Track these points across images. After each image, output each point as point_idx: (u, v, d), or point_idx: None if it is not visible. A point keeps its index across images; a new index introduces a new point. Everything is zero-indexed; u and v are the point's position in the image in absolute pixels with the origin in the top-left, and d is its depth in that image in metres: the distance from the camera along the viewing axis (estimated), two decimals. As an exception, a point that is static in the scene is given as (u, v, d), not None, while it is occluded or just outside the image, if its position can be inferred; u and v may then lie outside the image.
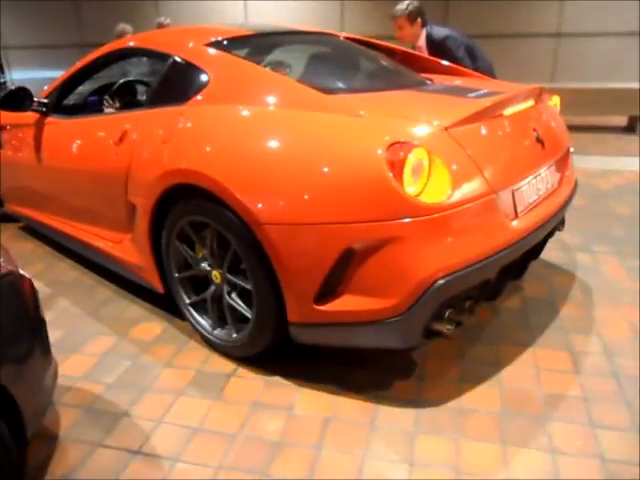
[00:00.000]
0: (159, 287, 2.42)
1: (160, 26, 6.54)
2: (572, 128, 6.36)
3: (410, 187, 1.69)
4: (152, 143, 2.25)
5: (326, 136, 1.86)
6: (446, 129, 1.83)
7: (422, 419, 1.85)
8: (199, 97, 2.23)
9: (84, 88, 3.37)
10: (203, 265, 2.19)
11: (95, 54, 2.85)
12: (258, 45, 2.76)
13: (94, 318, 2.55)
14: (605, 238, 3.34)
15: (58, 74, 3.07)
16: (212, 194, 1.94)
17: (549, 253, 3.10)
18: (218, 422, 1.87)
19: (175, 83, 2.41)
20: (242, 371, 2.13)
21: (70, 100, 3.04)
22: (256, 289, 1.96)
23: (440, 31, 3.76)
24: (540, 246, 2.31)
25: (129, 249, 2.51)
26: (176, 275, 2.29)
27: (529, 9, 7.17)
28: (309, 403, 1.95)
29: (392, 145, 1.71)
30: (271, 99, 2.09)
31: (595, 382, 2.01)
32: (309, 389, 2.02)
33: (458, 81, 2.75)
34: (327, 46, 2.95)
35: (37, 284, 2.91)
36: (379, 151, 1.71)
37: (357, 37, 3.16)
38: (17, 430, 1.49)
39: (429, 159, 1.72)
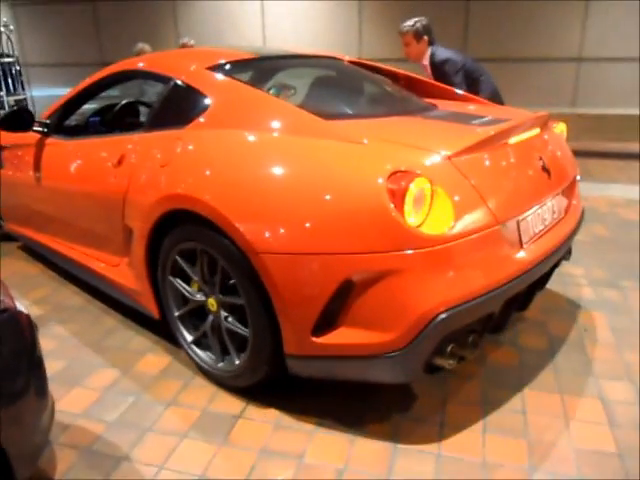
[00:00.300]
0: (155, 312, 2.34)
1: (184, 47, 6.56)
2: (594, 155, 6.23)
3: (411, 218, 1.62)
4: (150, 167, 2.20)
5: (326, 164, 1.79)
6: (449, 158, 1.76)
7: (442, 474, 1.71)
8: (199, 121, 2.17)
9: (86, 108, 3.34)
10: (198, 296, 2.12)
11: (98, 75, 2.81)
12: (261, 69, 2.70)
13: (98, 348, 2.45)
14: (633, 272, 3.18)
15: None
16: (209, 221, 1.87)
17: (574, 288, 2.96)
18: (223, 470, 1.75)
19: (175, 106, 2.36)
20: (250, 412, 2.01)
21: (72, 121, 2.99)
22: (252, 320, 1.88)
23: (443, 53, 3.69)
24: (546, 277, 2.21)
25: (125, 273, 2.45)
26: (176, 314, 2.21)
27: (550, 32, 7.09)
28: (321, 451, 1.82)
29: (393, 174, 1.65)
30: (272, 125, 2.02)
31: (630, 436, 1.86)
32: (322, 434, 1.89)
33: (463, 107, 2.66)
34: (331, 70, 2.89)
35: (41, 310, 2.88)
36: (380, 180, 1.64)
37: (361, 61, 3.09)
38: (5, 475, 1.38)
39: (431, 189, 1.65)
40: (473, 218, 1.73)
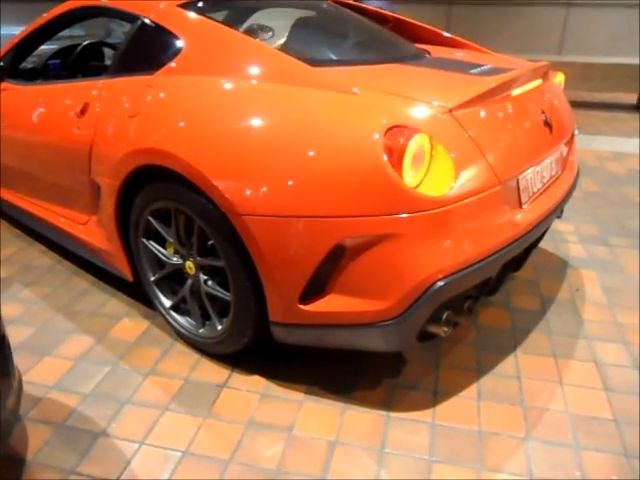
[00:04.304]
0: (128, 275, 2.20)
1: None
2: (581, 105, 6.07)
3: (409, 178, 1.48)
4: (117, 117, 2.00)
5: (314, 116, 1.62)
6: (450, 111, 1.61)
7: (437, 445, 1.65)
8: (171, 66, 1.97)
9: (44, 50, 3.05)
10: (175, 259, 1.98)
11: (56, 11, 2.53)
12: (237, 8, 2.46)
13: (69, 313, 2.30)
14: (622, 229, 3.12)
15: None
16: (184, 178, 1.71)
17: (564, 246, 2.89)
18: (208, 445, 1.65)
19: (144, 49, 2.13)
20: (235, 380, 1.91)
21: (28, 63, 2.71)
22: (234, 284, 1.76)
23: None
24: (541, 236, 2.13)
25: (94, 232, 2.29)
26: (152, 278, 2.06)
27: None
28: (311, 422, 1.74)
29: (390, 129, 1.49)
30: (252, 71, 1.83)
31: (626, 401, 1.82)
32: (311, 403, 1.81)
33: (457, 54, 2.48)
34: (313, 11, 2.62)
35: (6, 271, 2.69)
36: (375, 135, 1.49)
37: (345, 1, 2.85)
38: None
39: (431, 146, 1.51)
40: (474, 178, 1.60)
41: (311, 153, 1.55)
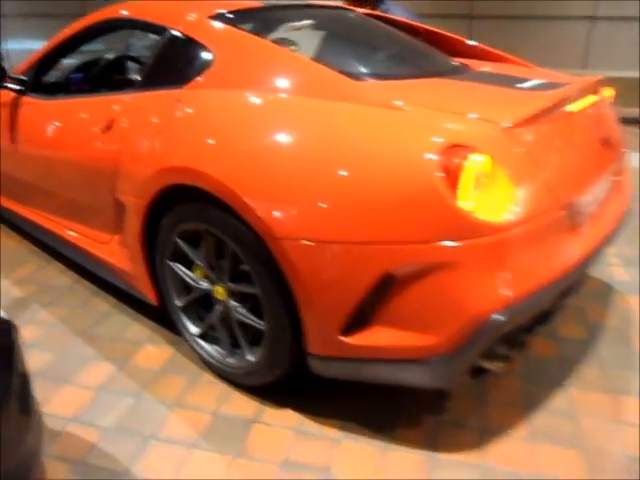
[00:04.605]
0: (153, 298, 2.08)
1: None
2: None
3: (466, 201, 1.35)
4: (145, 133, 1.90)
5: (358, 133, 1.50)
6: (508, 130, 1.48)
7: (492, 492, 1.50)
8: (200, 79, 1.87)
9: (67, 64, 2.98)
10: (203, 284, 1.86)
11: (79, 25, 2.44)
12: (266, 19, 2.35)
13: (89, 338, 2.19)
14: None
15: None
16: (216, 198, 1.59)
17: (608, 269, 2.74)
18: (240, 488, 1.52)
19: (172, 62, 2.03)
20: (267, 415, 1.78)
21: (50, 77, 2.64)
22: (269, 312, 1.64)
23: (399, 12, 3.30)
24: None
25: (116, 252, 2.17)
26: (177, 303, 1.95)
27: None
28: (349, 463, 1.60)
29: (445, 148, 1.37)
30: (287, 84, 1.74)
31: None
32: (349, 442, 1.67)
33: (499, 68, 2.35)
34: (344, 22, 2.52)
35: (24, 291, 2.59)
36: (429, 155, 1.37)
37: (375, 12, 2.75)
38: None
39: (489, 167, 1.38)
40: (534, 201, 1.48)
41: (355, 173, 1.43)
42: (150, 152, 1.83)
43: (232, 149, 1.62)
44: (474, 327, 1.40)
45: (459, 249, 1.36)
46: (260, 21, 2.16)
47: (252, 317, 1.72)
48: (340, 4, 2.89)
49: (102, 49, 2.78)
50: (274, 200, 1.50)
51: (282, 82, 1.74)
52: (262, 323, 1.68)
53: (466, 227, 1.35)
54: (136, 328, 2.24)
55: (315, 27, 2.25)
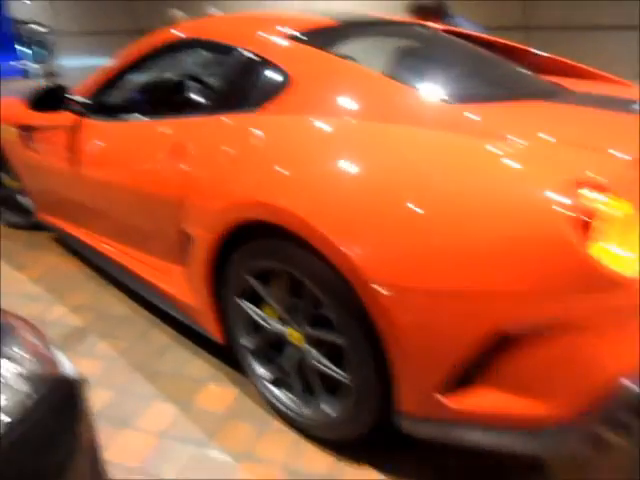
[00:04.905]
0: (218, 336, 1.94)
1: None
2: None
3: (598, 249, 1.15)
4: (214, 161, 1.78)
5: (466, 167, 1.32)
6: None
7: None
8: (275, 103, 1.74)
9: (129, 85, 2.90)
10: (276, 325, 1.71)
11: (142, 46, 2.36)
12: (343, 37, 2.20)
13: (149, 374, 2.07)
14: None
15: (110, 61, 2.59)
16: (297, 237, 1.44)
17: None
18: None
19: (243, 84, 1.91)
20: (343, 472, 1.61)
21: (112, 99, 2.56)
22: (353, 364, 1.48)
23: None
24: None
25: (179, 284, 2.05)
26: (245, 343, 1.81)
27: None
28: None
29: (574, 187, 1.17)
30: (374, 109, 1.57)
31: None
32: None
33: (601, 88, 2.11)
34: (424, 39, 2.35)
35: (82, 320, 2.50)
36: (552, 194, 1.17)
37: (449, 28, 2.57)
38: None
39: (628, 209, 1.18)
40: None
41: (462, 211, 1.26)
42: (220, 183, 1.71)
43: (313, 182, 1.47)
44: (602, 394, 1.20)
45: (588, 304, 1.17)
46: (336, 39, 2.02)
47: (333, 367, 1.56)
48: (410, 19, 2.73)
49: (165, 69, 2.69)
50: (365, 240, 1.34)
51: (367, 107, 1.59)
52: (345, 375, 1.52)
53: (597, 279, 1.15)
54: (198, 364, 2.11)
55: (395, 45, 2.09)
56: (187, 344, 2.23)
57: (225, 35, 2.05)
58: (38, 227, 3.22)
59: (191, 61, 2.60)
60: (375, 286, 1.31)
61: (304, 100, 1.68)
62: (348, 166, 1.45)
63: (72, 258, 3.05)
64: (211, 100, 2.01)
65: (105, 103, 2.53)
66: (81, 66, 9.32)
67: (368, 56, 2.12)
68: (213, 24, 2.24)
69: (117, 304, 2.57)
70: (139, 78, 2.56)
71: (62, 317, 2.47)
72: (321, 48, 1.84)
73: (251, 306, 1.76)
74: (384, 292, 1.30)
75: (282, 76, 1.76)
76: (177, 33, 2.28)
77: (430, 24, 2.52)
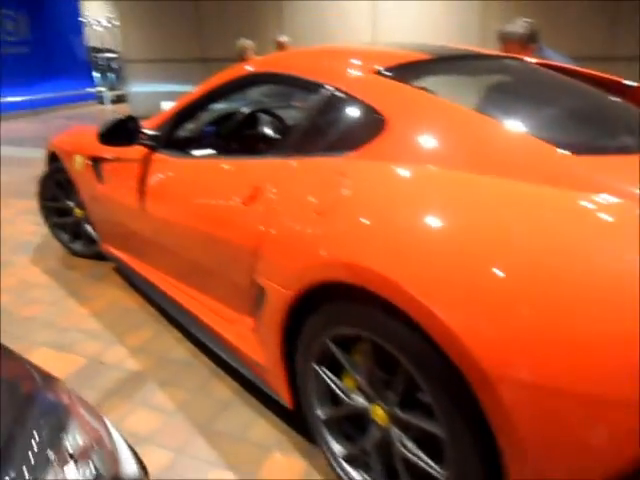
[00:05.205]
0: (287, 400, 1.75)
1: (280, 46, 6.09)
2: None
3: None
4: (297, 211, 1.60)
5: (606, 239, 1.10)
6: None
7: None
8: (369, 148, 1.55)
9: (203, 119, 2.81)
10: (357, 399, 1.50)
11: (218, 79, 2.24)
12: (437, 73, 2.01)
13: (210, 434, 1.89)
14: None
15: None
16: (392, 305, 1.24)
17: None
18: None
19: (331, 124, 1.75)
20: None
21: (185, 133, 2.45)
22: (455, 461, 1.24)
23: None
24: None
25: (246, 337, 1.90)
26: (319, 414, 1.61)
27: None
28: None
29: None
30: (479, 156, 1.36)
31: None
32: None
33: None
34: (525, 77, 2.09)
35: (141, 363, 2.30)
36: None
37: (546, 62, 2.32)
38: None
39: None
40: None
41: (597, 294, 1.03)
42: (304, 236, 1.53)
43: (422, 246, 1.25)
44: None
45: None
46: (430, 75, 1.84)
47: (425, 459, 1.33)
48: (502, 53, 2.52)
49: (242, 105, 2.55)
50: (482, 323, 1.11)
51: (470, 153, 1.39)
52: (439, 470, 1.29)
53: None
54: (262, 427, 1.92)
55: (495, 82, 1.89)
56: (251, 401, 2.05)
57: (309, 70, 1.89)
58: (103, 257, 3.17)
59: (270, 97, 2.47)
60: (496, 381, 1.08)
61: (399, 145, 1.50)
62: (456, 227, 1.25)
63: (134, 293, 2.97)
64: (293, 140, 1.84)
65: (177, 138, 2.44)
66: (149, 92, 9.61)
67: (466, 94, 1.93)
68: (295, 58, 2.09)
69: (177, 347, 2.44)
70: (214, 113, 2.45)
71: (121, 360, 2.35)
72: (416, 86, 1.66)
73: (330, 374, 1.56)
74: (497, 381, 1.07)
75: (375, 117, 1.58)
76: (255, 67, 2.16)
77: (526, 59, 2.30)
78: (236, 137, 2.42)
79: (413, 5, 7.11)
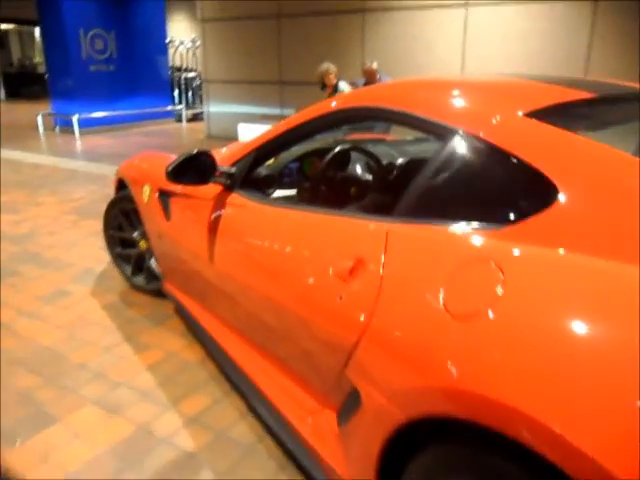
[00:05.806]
0: None
1: (369, 72, 5.72)
2: None
3: None
4: (421, 303, 1.16)
5: None
6: None
7: None
8: (531, 225, 1.10)
9: (290, 158, 2.44)
10: None
11: (309, 114, 1.84)
12: (607, 118, 1.55)
13: None
14: None
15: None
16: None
17: None
18: None
19: (467, 184, 1.30)
20: None
21: (267, 172, 2.07)
22: None
23: None
24: None
25: (325, 435, 1.50)
26: None
27: None
28: None
29: None
30: None
31: None
32: None
33: None
34: None
35: (195, 440, 1.88)
36: None
37: None
38: None
39: None
40: None
41: None
42: (428, 342, 1.09)
43: (594, 390, 0.82)
44: None
45: None
46: (600, 121, 1.39)
47: None
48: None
49: (339, 145, 2.10)
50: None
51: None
52: None
53: None
54: None
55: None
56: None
57: (438, 111, 1.45)
58: (164, 295, 2.87)
59: (377, 140, 2.04)
60: None
61: (577, 226, 1.05)
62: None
63: (194, 343, 2.63)
64: (412, 198, 1.38)
65: (256, 176, 2.08)
66: (225, 112, 9.57)
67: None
68: (408, 92, 1.64)
69: (239, 423, 2.05)
70: (305, 152, 2.03)
71: (173, 433, 1.99)
72: (591, 138, 1.20)
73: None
74: None
75: (541, 182, 1.13)
76: (358, 100, 1.77)
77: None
78: (325, 179, 2.00)
79: (505, 35, 6.60)
